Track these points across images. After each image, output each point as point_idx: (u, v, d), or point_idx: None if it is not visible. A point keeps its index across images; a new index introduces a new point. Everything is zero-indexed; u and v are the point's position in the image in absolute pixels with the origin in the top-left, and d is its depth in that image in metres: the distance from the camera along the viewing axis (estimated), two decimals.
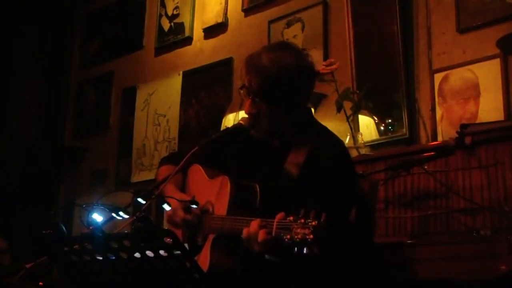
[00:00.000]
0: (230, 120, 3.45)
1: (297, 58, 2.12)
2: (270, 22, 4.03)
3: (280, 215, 1.77)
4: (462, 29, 3.12)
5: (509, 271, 1.97)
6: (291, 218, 1.70)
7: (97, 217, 2.14)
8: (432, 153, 2.43)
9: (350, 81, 3.41)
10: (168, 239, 1.67)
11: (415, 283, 2.18)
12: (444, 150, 2.40)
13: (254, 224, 1.83)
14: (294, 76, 2.08)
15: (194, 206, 2.16)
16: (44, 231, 1.95)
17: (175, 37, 4.62)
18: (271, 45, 2.34)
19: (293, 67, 2.08)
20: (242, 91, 2.18)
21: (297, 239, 1.64)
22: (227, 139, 2.22)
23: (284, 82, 2.07)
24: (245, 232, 1.86)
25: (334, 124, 3.14)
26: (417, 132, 3.20)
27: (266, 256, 1.83)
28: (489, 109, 2.93)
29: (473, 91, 3.02)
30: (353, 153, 2.87)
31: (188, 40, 4.54)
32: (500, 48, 2.80)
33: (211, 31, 4.40)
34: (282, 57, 2.09)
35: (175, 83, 4.55)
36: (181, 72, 4.53)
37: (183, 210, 2.20)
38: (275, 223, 1.76)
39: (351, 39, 3.51)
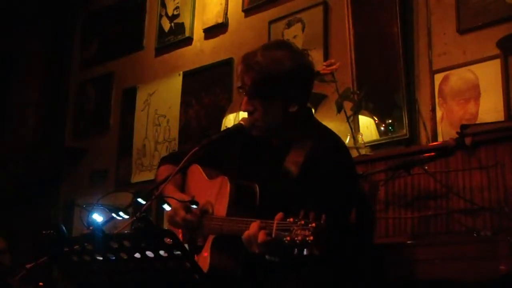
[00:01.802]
0: (231, 120, 3.45)
1: (291, 55, 2.12)
2: (270, 22, 4.03)
3: (279, 216, 1.77)
4: (462, 30, 3.12)
5: (509, 271, 1.97)
6: (291, 219, 1.70)
7: (97, 218, 2.14)
8: (432, 153, 2.43)
9: (350, 82, 3.41)
10: (168, 240, 1.67)
11: (415, 284, 2.18)
12: (444, 151, 2.40)
13: (254, 225, 1.83)
14: (287, 72, 2.08)
15: (194, 206, 2.16)
16: (44, 231, 1.95)
17: (175, 37, 4.62)
18: (267, 44, 2.35)
19: (286, 62, 2.08)
20: (241, 91, 2.18)
21: (297, 241, 1.64)
22: (228, 139, 2.22)
23: (276, 77, 2.07)
24: (245, 233, 1.86)
25: (334, 124, 3.14)
26: (417, 132, 3.20)
27: (266, 257, 1.83)
28: (489, 110, 2.93)
29: (473, 92, 3.02)
30: (353, 154, 2.86)
31: (188, 41, 4.54)
32: (500, 49, 2.80)
33: (211, 32, 4.40)
34: (275, 54, 2.10)
35: (175, 83, 4.55)
36: (181, 73, 4.53)
37: (184, 209, 2.19)
38: (274, 224, 1.76)
39: (351, 39, 3.51)
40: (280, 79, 2.08)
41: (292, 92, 2.12)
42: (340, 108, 3.04)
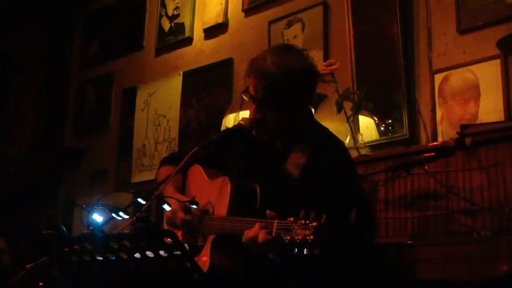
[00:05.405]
0: (230, 120, 3.45)
1: (301, 61, 2.11)
2: (270, 22, 4.03)
3: (269, 213, 1.78)
4: (462, 30, 3.12)
5: (509, 272, 1.97)
6: (292, 219, 1.70)
7: (97, 218, 2.14)
8: (432, 153, 2.43)
9: (350, 82, 3.41)
10: (168, 240, 1.67)
11: (415, 284, 2.18)
12: (444, 151, 2.40)
13: (255, 225, 1.83)
14: (299, 80, 2.07)
15: (194, 206, 2.16)
16: (44, 231, 1.95)
17: (176, 37, 4.62)
18: (274, 48, 2.30)
19: (298, 70, 2.07)
20: (245, 95, 2.17)
21: (297, 240, 1.64)
22: (228, 139, 2.22)
23: (289, 87, 2.06)
24: (246, 233, 1.86)
25: (334, 124, 3.14)
26: (417, 132, 3.20)
27: (270, 255, 1.83)
28: (489, 110, 2.93)
29: (473, 92, 3.02)
30: (353, 154, 2.87)
31: (188, 41, 4.55)
32: (501, 49, 2.80)
33: (212, 32, 4.41)
34: (287, 61, 2.07)
35: (176, 83, 4.55)
36: (181, 73, 4.53)
37: (183, 210, 2.19)
38: (275, 224, 1.76)
39: (351, 39, 3.51)
40: (292, 88, 2.07)
41: (301, 98, 2.12)
42: (340, 108, 3.04)
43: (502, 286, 2.00)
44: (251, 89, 2.12)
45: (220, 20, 4.32)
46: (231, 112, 3.50)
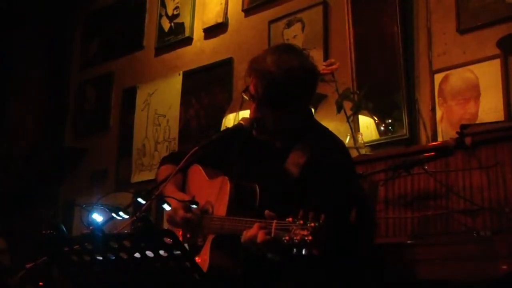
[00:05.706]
0: (230, 120, 3.45)
1: (301, 60, 2.10)
2: (270, 22, 4.03)
3: (267, 213, 1.79)
4: (462, 30, 3.12)
5: (509, 272, 1.97)
6: (290, 219, 1.70)
7: (97, 217, 2.14)
8: (432, 153, 2.43)
9: (350, 81, 3.41)
10: (168, 239, 1.67)
11: (415, 284, 2.18)
12: (444, 151, 2.40)
13: (254, 225, 1.83)
14: (299, 80, 2.07)
15: (194, 206, 2.16)
16: (44, 231, 1.95)
17: (175, 37, 4.62)
18: (274, 48, 2.29)
19: (299, 70, 2.06)
20: (245, 94, 2.17)
21: (296, 240, 1.64)
22: (228, 139, 2.22)
23: (290, 86, 2.05)
24: (244, 233, 1.86)
25: (334, 124, 3.14)
26: (417, 132, 3.20)
27: (268, 255, 1.83)
28: (489, 110, 2.93)
29: (473, 92, 3.02)
30: (353, 153, 2.87)
31: (188, 40, 4.55)
32: (501, 49, 2.80)
33: (211, 31, 4.41)
34: (287, 61, 2.06)
35: (175, 83, 4.55)
36: (181, 72, 4.53)
37: (183, 208, 2.19)
38: (273, 224, 1.76)
39: (351, 39, 3.51)
40: (292, 88, 2.07)
41: (301, 97, 2.12)
42: (340, 108, 3.05)
43: (502, 286, 2.00)
44: (251, 88, 2.12)
45: (220, 20, 4.32)
46: (231, 112, 3.50)
